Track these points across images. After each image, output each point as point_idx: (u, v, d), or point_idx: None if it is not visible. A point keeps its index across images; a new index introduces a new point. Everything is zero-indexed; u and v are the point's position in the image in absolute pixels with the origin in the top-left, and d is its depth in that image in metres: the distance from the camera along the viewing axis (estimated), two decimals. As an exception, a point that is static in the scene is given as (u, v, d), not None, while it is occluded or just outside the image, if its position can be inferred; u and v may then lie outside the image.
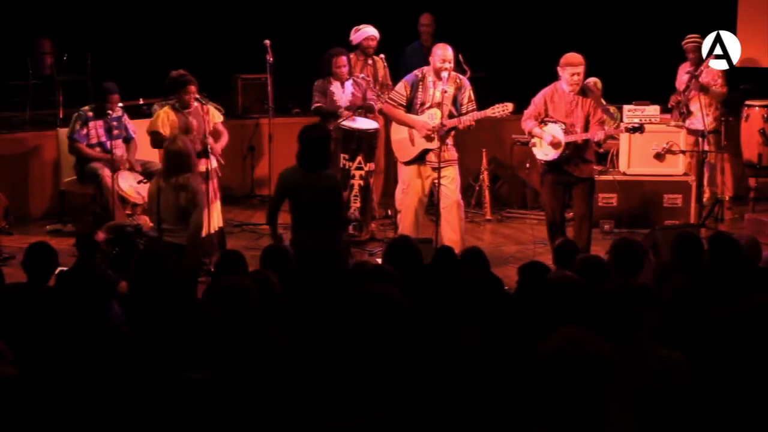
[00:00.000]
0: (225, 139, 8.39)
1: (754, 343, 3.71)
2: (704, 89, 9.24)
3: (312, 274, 5.06)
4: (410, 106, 7.91)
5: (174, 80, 8.17)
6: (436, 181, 7.77)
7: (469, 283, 4.63)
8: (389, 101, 8.07)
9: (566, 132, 7.60)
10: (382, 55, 9.54)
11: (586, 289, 4.41)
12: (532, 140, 7.85)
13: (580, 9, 12.16)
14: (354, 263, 5.46)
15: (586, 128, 7.62)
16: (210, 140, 8.06)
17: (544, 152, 7.73)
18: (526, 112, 7.84)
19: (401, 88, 7.95)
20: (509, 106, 7.73)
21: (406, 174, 7.99)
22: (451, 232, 7.81)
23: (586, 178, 7.76)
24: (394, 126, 8.10)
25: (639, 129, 7.97)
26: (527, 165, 9.78)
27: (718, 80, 9.44)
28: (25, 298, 4.81)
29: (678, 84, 9.69)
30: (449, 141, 7.90)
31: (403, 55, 10.05)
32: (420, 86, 7.86)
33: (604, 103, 8.94)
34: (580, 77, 7.60)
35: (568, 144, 7.59)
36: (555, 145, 7.62)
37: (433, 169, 7.77)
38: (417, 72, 7.93)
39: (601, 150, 8.76)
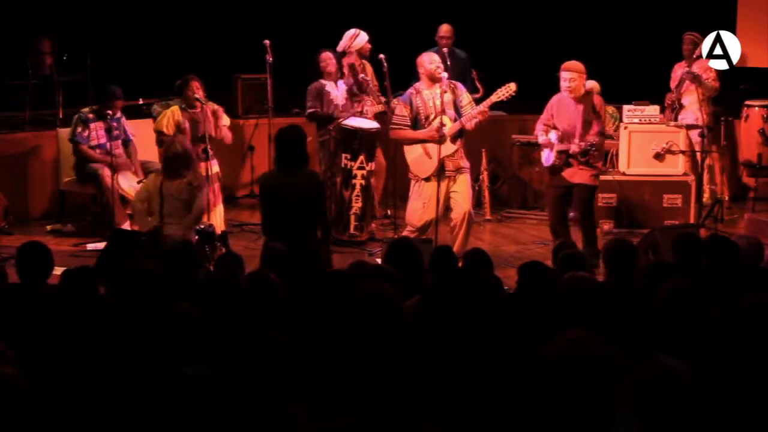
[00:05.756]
0: (228, 139, 8.51)
1: (753, 343, 3.70)
2: (696, 78, 9.22)
3: (291, 278, 5.04)
4: (416, 124, 7.86)
5: (179, 84, 8.29)
6: (450, 192, 7.76)
7: (468, 282, 4.63)
8: (394, 126, 7.98)
9: (560, 140, 7.63)
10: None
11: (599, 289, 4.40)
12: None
13: (579, 9, 12.16)
14: (353, 263, 5.44)
15: (584, 135, 7.64)
16: (225, 131, 8.16)
17: (545, 157, 7.84)
18: (540, 117, 7.91)
19: (401, 110, 7.88)
20: (512, 86, 7.62)
21: (427, 190, 7.80)
22: (458, 241, 7.73)
23: (582, 185, 7.72)
24: (407, 146, 7.97)
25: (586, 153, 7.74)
26: (537, 168, 9.74)
27: (710, 74, 9.41)
28: (21, 300, 4.76)
29: (672, 83, 9.68)
30: (459, 148, 7.82)
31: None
32: (419, 101, 7.81)
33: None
34: (574, 83, 7.55)
35: (561, 152, 7.62)
36: (549, 150, 7.71)
37: (444, 176, 7.72)
38: (410, 91, 7.88)
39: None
